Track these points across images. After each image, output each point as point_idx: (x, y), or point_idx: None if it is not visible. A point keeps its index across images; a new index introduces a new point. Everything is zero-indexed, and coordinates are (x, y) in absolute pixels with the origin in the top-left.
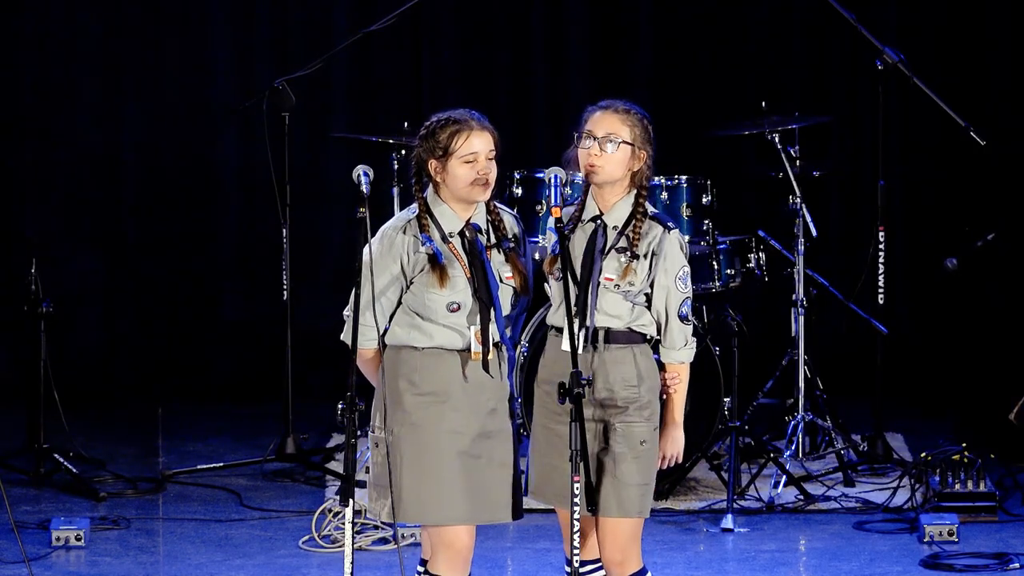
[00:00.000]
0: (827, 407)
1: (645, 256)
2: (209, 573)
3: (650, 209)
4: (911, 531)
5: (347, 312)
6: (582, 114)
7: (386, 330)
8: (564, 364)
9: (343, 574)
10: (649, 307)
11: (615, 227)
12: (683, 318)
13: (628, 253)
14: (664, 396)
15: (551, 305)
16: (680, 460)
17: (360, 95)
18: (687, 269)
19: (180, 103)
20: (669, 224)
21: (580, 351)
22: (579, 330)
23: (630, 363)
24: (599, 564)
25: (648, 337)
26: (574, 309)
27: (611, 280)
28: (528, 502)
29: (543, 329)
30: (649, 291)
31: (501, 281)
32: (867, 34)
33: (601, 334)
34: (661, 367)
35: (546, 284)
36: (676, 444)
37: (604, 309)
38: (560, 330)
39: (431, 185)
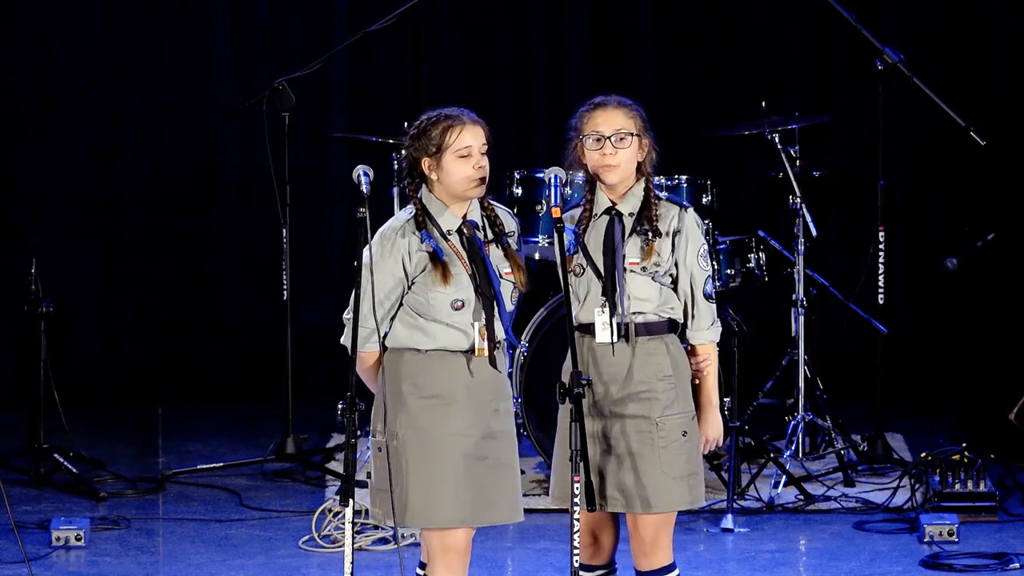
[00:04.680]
0: (827, 407)
1: (667, 234)
2: (209, 573)
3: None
4: (911, 531)
5: (347, 315)
6: (574, 114)
7: (387, 333)
8: (594, 361)
9: (343, 574)
10: (675, 289)
11: (631, 214)
12: (708, 296)
13: (649, 233)
14: (696, 381)
15: (561, 305)
16: (721, 443)
17: (360, 95)
18: (706, 247)
19: (180, 103)
20: (684, 204)
21: (615, 342)
22: (611, 320)
23: (663, 354)
24: (608, 569)
25: (675, 325)
26: (603, 300)
27: (636, 264)
28: (529, 502)
29: (543, 329)
30: (675, 271)
31: (501, 276)
32: (867, 34)
33: (631, 325)
34: (689, 352)
35: (574, 282)
36: (716, 427)
37: (634, 294)
38: (587, 327)
39: (424, 185)
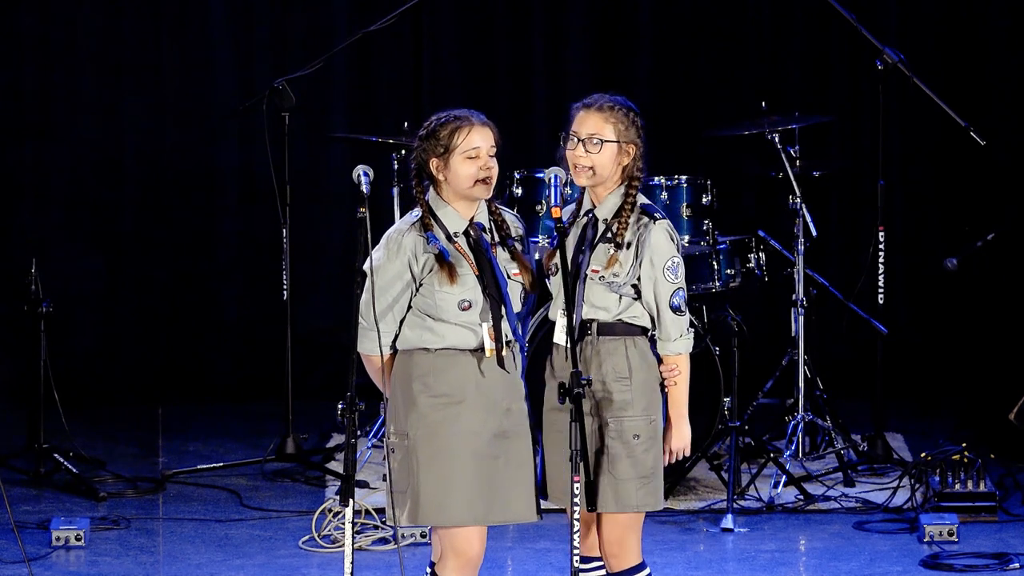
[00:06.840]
0: (827, 407)
1: (629, 246)
2: (209, 573)
3: (641, 200)
4: (911, 531)
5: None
6: (569, 112)
7: (396, 335)
8: (559, 359)
9: (343, 574)
10: (639, 299)
11: (605, 219)
12: (675, 309)
13: (613, 243)
14: (666, 391)
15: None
16: (688, 453)
17: (360, 95)
18: (677, 260)
19: (180, 103)
20: (656, 215)
21: (567, 344)
22: (567, 323)
23: (621, 355)
24: (602, 562)
25: (647, 330)
26: (563, 303)
27: (596, 271)
28: None
29: (543, 329)
30: (637, 282)
31: (509, 278)
32: (867, 34)
33: (593, 326)
34: (660, 360)
35: (547, 280)
36: (682, 438)
37: (591, 301)
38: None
39: (432, 187)
